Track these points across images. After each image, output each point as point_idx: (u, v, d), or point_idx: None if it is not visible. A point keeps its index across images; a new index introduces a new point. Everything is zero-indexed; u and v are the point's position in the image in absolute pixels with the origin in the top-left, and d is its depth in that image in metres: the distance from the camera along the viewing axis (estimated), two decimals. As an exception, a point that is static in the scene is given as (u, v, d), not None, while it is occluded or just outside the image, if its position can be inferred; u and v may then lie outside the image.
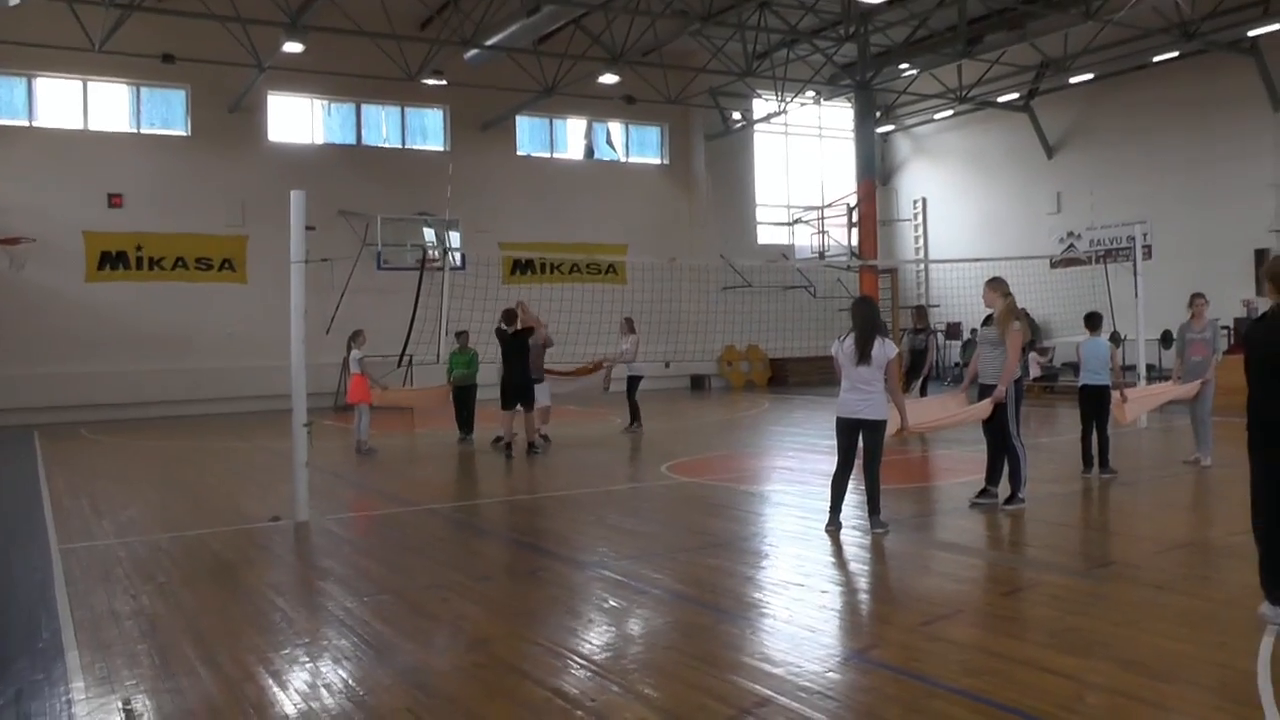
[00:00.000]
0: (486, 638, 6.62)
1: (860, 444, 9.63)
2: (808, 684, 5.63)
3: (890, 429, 9.95)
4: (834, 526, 9.68)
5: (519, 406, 15.88)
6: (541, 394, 16.88)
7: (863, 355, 9.43)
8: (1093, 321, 13.02)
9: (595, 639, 6.63)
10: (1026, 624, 6.71)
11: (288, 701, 5.56)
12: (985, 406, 10.49)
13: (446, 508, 11.89)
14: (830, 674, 5.84)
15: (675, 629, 6.85)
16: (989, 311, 10.84)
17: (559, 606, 7.46)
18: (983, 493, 10.81)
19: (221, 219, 27.07)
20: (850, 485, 9.81)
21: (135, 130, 26.90)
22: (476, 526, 10.93)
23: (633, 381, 19.47)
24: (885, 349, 9.47)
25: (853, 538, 9.48)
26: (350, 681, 5.83)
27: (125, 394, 25.43)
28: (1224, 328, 21.63)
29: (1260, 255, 26.44)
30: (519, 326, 15.76)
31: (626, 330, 19.59)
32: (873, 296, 10.25)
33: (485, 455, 16.46)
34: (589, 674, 5.89)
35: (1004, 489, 10.69)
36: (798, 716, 5.14)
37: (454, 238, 26.50)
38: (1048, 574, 8.04)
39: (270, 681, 5.90)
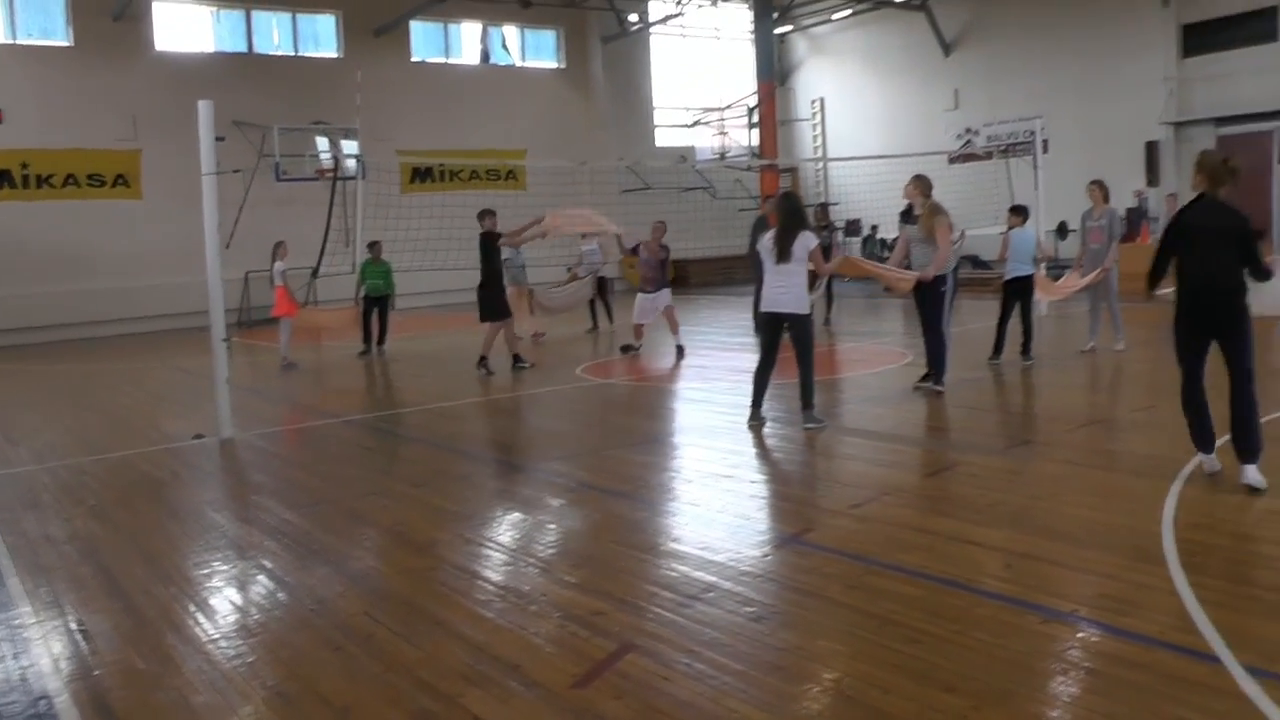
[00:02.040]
0: (432, 541, 6.76)
1: (787, 339, 9.78)
2: (749, 568, 5.90)
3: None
4: (755, 421, 9.88)
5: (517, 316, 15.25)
6: (662, 298, 16.28)
7: (781, 253, 9.57)
8: (1020, 211, 13.37)
9: (539, 538, 6.84)
10: (952, 501, 7.03)
11: (245, 612, 5.67)
12: (910, 278, 10.81)
13: (370, 418, 11.95)
14: (770, 558, 6.12)
15: (615, 524, 7.05)
16: (905, 205, 11.07)
17: (498, 508, 7.66)
18: (925, 378, 11.24)
19: (111, 133, 26.14)
20: (770, 382, 10.03)
21: (11, 41, 25.73)
22: (402, 435, 10.99)
23: (602, 282, 19.53)
24: (805, 242, 9.54)
25: (773, 430, 9.75)
26: (302, 590, 5.94)
27: (21, 318, 24.65)
28: (1120, 217, 22.23)
29: (1151, 147, 27.17)
30: (486, 228, 14.79)
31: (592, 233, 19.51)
32: (795, 192, 10.28)
33: (399, 364, 16.47)
34: (538, 570, 6.08)
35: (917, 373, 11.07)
36: (744, 599, 5.38)
37: (352, 146, 26.01)
38: (968, 455, 8.38)
39: (223, 594, 6.01)
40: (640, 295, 16.40)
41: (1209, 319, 6.86)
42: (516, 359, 14.66)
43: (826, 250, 19.20)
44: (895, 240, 11.54)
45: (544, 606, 5.42)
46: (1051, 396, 11.41)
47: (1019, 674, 4.36)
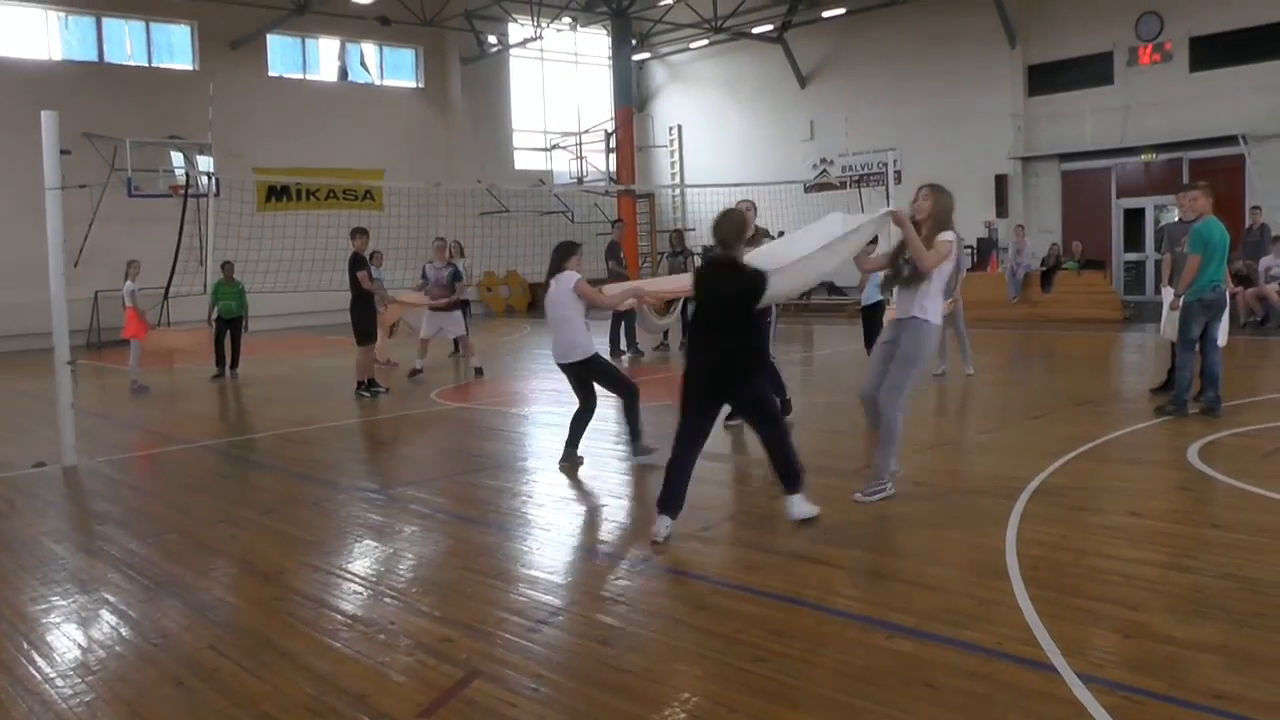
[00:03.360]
0: (280, 570, 6.61)
1: (592, 383, 9.52)
2: (598, 592, 5.94)
3: (623, 301, 10.08)
4: (566, 462, 9.45)
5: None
6: (454, 324, 16.63)
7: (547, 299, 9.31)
8: (874, 241, 13.57)
9: (388, 564, 6.74)
10: (799, 522, 7.08)
11: (84, 649, 5.44)
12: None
13: (221, 443, 11.63)
14: (619, 581, 6.15)
15: (465, 549, 6.99)
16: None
17: (348, 535, 7.51)
18: (734, 415, 11.17)
19: (-53, 139, 25.08)
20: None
21: None
22: (254, 461, 10.74)
23: (463, 306, 19.30)
24: (563, 284, 9.17)
25: (622, 455, 9.78)
26: (146, 624, 5.74)
27: None
28: (966, 248, 22.99)
29: (1000, 180, 28.27)
30: (356, 248, 14.43)
31: (458, 254, 19.37)
32: (573, 242, 9.78)
33: (252, 388, 16.10)
34: (387, 598, 6.00)
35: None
36: (593, 622, 5.41)
37: (208, 162, 25.38)
38: (816, 476, 8.42)
39: (61, 630, 5.75)
40: (429, 311, 16.49)
41: (717, 394, 6.90)
42: (370, 383, 14.44)
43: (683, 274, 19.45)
44: None
45: (392, 635, 5.35)
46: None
47: (864, 688, 4.46)
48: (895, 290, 7.65)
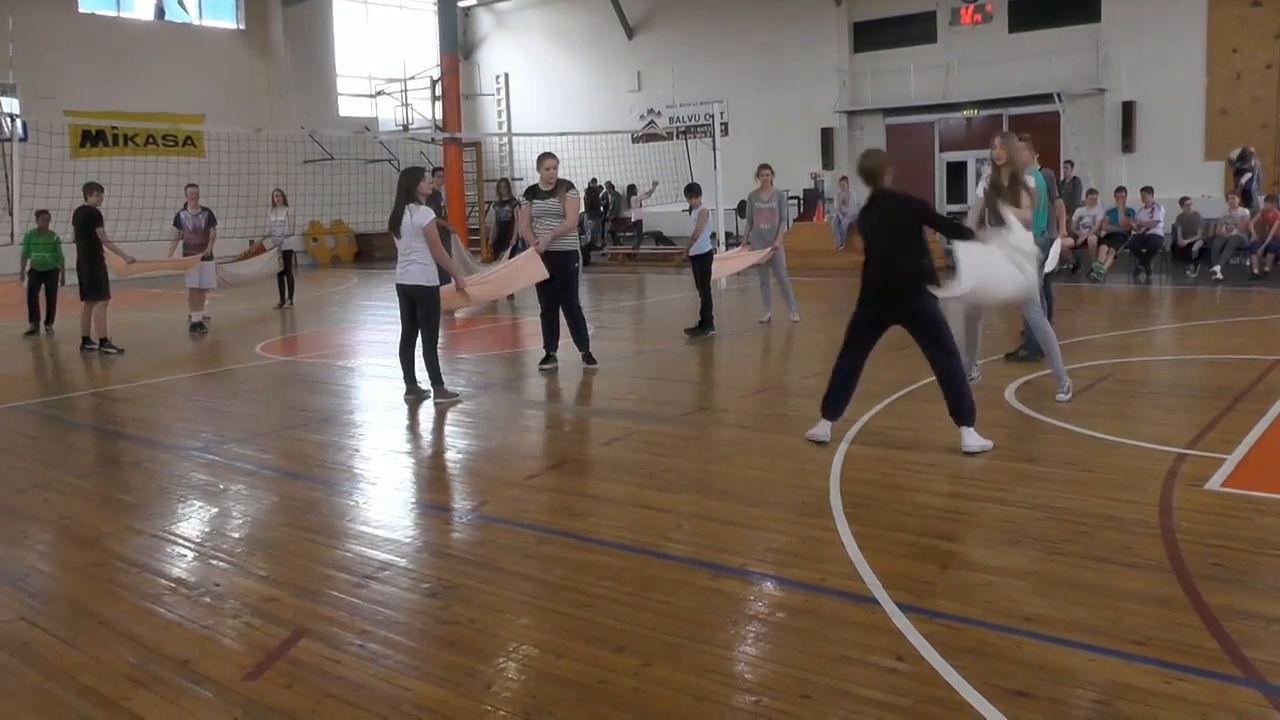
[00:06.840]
0: (99, 535, 6.33)
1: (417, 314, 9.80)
2: (425, 544, 5.89)
3: (447, 290, 10.16)
4: (411, 395, 9.90)
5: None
6: (206, 276, 16.27)
7: (391, 227, 9.72)
8: (698, 191, 13.69)
9: (212, 525, 6.53)
10: (625, 468, 7.17)
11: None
12: (532, 259, 10.85)
13: (35, 404, 11.05)
14: (446, 533, 6.13)
15: (290, 506, 6.83)
16: (533, 184, 11.13)
17: (171, 496, 7.24)
18: (547, 359, 11.22)
19: None
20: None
21: None
22: (70, 421, 10.25)
23: (288, 256, 19.02)
24: (415, 218, 9.54)
25: (440, 404, 9.71)
26: (-52, 596, 5.42)
27: None
28: (793, 198, 23.38)
29: (826, 133, 28.80)
30: (91, 203, 14.31)
31: (280, 202, 18.82)
32: (417, 167, 10.11)
33: (68, 345, 15.32)
34: (213, 559, 5.81)
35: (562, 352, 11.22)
36: (419, 575, 5.35)
37: (13, 104, 23.99)
38: (643, 423, 8.56)
39: None
40: (204, 263, 16.32)
41: (888, 306, 7.38)
42: (104, 342, 14.16)
43: (509, 224, 19.29)
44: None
45: (217, 597, 5.19)
46: (729, 365, 11.83)
47: (689, 629, 4.51)
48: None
